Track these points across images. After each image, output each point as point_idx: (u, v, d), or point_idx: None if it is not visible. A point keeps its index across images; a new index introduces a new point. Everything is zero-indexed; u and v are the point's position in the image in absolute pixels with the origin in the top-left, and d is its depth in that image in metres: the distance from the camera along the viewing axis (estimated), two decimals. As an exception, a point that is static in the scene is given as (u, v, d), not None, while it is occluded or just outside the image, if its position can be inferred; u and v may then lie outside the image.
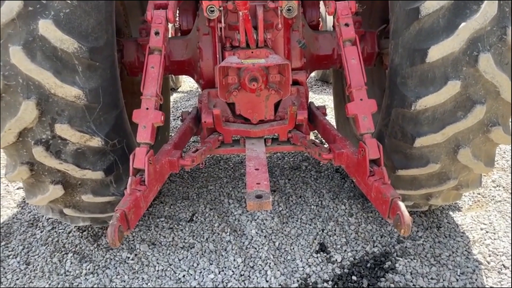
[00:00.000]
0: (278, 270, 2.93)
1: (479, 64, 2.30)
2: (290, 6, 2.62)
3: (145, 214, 3.59)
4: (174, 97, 7.11)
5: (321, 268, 2.95)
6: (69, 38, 2.29)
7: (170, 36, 5.35)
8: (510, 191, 3.77)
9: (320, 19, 5.16)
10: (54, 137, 2.43)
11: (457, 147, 2.55)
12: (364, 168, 2.33)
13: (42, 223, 3.56)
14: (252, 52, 2.87)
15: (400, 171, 2.74)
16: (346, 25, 2.60)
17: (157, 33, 2.58)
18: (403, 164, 2.71)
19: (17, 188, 4.19)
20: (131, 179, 2.26)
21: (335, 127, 4.54)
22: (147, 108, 2.46)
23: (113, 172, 2.69)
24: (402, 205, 2.00)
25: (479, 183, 2.93)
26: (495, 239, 3.18)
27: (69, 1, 2.29)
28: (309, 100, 3.35)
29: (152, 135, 2.44)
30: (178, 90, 7.64)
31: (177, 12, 3.62)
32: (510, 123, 2.58)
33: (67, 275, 2.99)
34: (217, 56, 3.04)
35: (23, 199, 3.98)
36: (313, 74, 7.65)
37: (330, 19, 6.20)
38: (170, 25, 4.90)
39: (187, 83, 7.99)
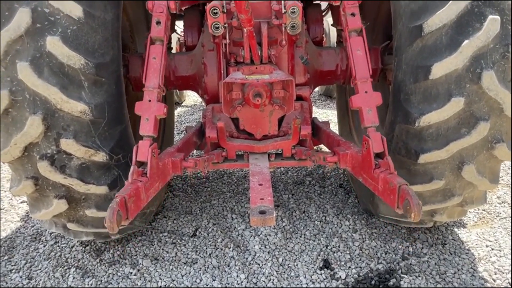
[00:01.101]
0: (282, 287, 2.90)
1: (483, 81, 2.31)
2: (294, 23, 2.65)
3: (148, 228, 3.58)
4: (178, 111, 7.15)
5: (325, 285, 2.92)
6: (76, 54, 2.32)
7: (174, 51, 5.42)
8: (515, 207, 3.75)
9: (323, 35, 5.22)
10: (59, 152, 2.45)
11: (461, 163, 2.54)
12: (369, 162, 2.31)
13: (45, 237, 3.56)
14: (256, 68, 2.88)
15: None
16: (352, 14, 2.57)
17: (158, 23, 2.55)
18: (407, 180, 2.69)
19: (21, 202, 4.19)
20: (133, 168, 2.23)
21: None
22: (150, 100, 2.43)
23: (117, 186, 2.69)
24: (410, 190, 1.98)
25: (484, 200, 2.92)
26: (500, 256, 3.15)
27: (76, 18, 2.33)
28: (313, 115, 3.36)
29: (155, 128, 2.41)
30: (182, 104, 7.68)
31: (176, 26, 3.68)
32: (514, 140, 2.58)
33: (69, 290, 2.97)
34: (222, 71, 3.06)
35: (27, 213, 3.98)
36: (317, 89, 7.68)
37: (333, 35, 6.25)
38: (174, 41, 4.95)
39: (191, 97, 8.04)
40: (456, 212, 2.97)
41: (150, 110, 2.42)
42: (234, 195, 4.09)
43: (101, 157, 2.51)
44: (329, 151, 2.84)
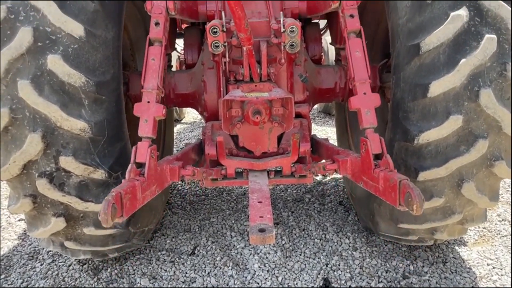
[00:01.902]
0: (281, 306, 2.87)
1: (480, 99, 2.33)
2: (293, 42, 2.67)
3: (146, 246, 3.55)
4: (177, 128, 7.16)
5: (325, 304, 2.88)
6: (77, 72, 2.34)
7: (174, 69, 5.46)
8: (516, 225, 3.73)
9: (322, 54, 5.27)
10: (58, 170, 2.44)
11: (461, 181, 2.54)
12: (369, 163, 2.30)
13: (42, 256, 3.52)
14: (255, 86, 2.90)
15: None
16: (351, 16, 2.57)
17: (157, 24, 2.53)
18: (407, 198, 2.69)
19: (19, 220, 4.16)
20: (131, 166, 2.22)
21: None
22: (148, 102, 2.42)
23: (115, 204, 2.68)
24: (411, 183, 1.97)
25: (484, 218, 2.90)
26: (502, 275, 3.12)
27: (77, 37, 2.35)
28: (312, 132, 3.37)
29: (154, 129, 2.40)
30: (182, 121, 7.70)
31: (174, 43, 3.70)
32: (513, 157, 2.58)
33: (65, 310, 2.93)
34: (221, 89, 3.08)
35: (24, 231, 3.95)
36: (316, 106, 7.71)
37: (332, 53, 6.32)
38: (174, 58, 4.99)
39: (191, 114, 8.07)
40: (456, 230, 2.95)
41: (149, 111, 2.41)
42: (234, 213, 4.07)
43: (100, 174, 2.51)
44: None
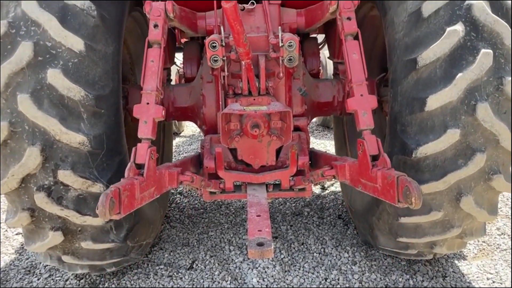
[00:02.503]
0: (280, 321, 2.84)
1: (477, 113, 2.35)
2: (291, 56, 2.70)
3: (144, 261, 3.52)
4: (176, 141, 7.17)
5: (325, 320, 2.86)
6: (76, 86, 2.35)
7: (174, 83, 5.49)
8: (515, 239, 3.71)
9: (320, 68, 5.31)
10: (56, 183, 2.44)
11: (459, 195, 2.54)
12: (366, 164, 2.32)
13: (39, 270, 3.49)
14: (254, 100, 2.92)
15: (403, 218, 2.72)
16: (348, 19, 2.59)
17: (156, 26, 2.55)
18: (405, 212, 2.70)
19: (16, 234, 4.14)
20: (130, 164, 2.24)
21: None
22: (148, 103, 2.43)
23: (114, 218, 2.67)
24: (409, 178, 1.99)
25: (483, 231, 2.89)
26: (502, 289, 3.10)
27: (78, 52, 2.37)
28: (311, 146, 3.38)
29: (154, 130, 2.41)
30: (181, 134, 7.71)
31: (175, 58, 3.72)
32: (511, 171, 2.59)
33: (62, 326, 2.90)
34: (220, 103, 3.09)
35: (22, 245, 3.92)
36: (314, 119, 7.75)
37: (330, 67, 6.37)
38: (173, 72, 5.02)
39: (190, 127, 8.08)
40: (456, 244, 2.94)
41: (148, 112, 2.42)
42: (232, 226, 4.05)
43: (98, 188, 2.50)
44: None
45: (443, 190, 2.53)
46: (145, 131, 2.40)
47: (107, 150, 2.50)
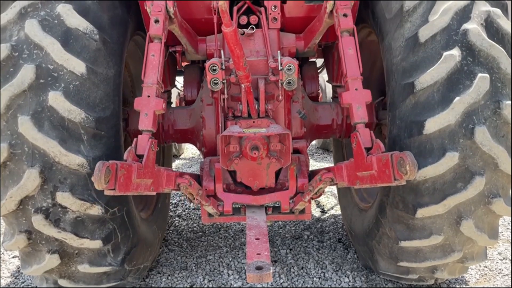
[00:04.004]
0: None
1: (476, 137, 2.36)
2: (290, 80, 2.73)
3: (141, 285, 3.47)
4: (176, 163, 7.17)
5: None
6: (77, 108, 2.37)
7: (174, 105, 5.53)
8: (517, 263, 3.67)
9: (319, 91, 5.36)
10: (54, 205, 2.43)
11: (459, 218, 2.53)
12: (361, 154, 2.35)
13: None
14: (253, 122, 2.93)
15: (403, 242, 2.70)
16: (345, 15, 2.62)
17: (157, 21, 2.58)
18: (406, 235, 2.68)
19: (13, 257, 4.09)
20: (130, 148, 2.29)
21: (337, 195, 4.53)
22: (149, 96, 2.46)
23: (111, 241, 2.66)
24: (403, 152, 2.06)
25: (484, 256, 2.86)
26: (506, 315, 3.04)
27: (79, 74, 2.40)
28: (310, 168, 3.37)
29: (154, 123, 2.44)
30: (181, 157, 7.71)
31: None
32: (511, 195, 2.58)
33: None
34: (220, 125, 3.11)
35: (18, 268, 3.87)
36: (314, 142, 7.77)
37: (329, 91, 6.42)
38: (174, 95, 5.06)
39: (190, 150, 8.09)
40: (457, 269, 2.90)
41: (149, 105, 2.45)
42: (231, 250, 4.01)
43: (96, 210, 2.49)
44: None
45: (443, 214, 2.52)
46: (145, 123, 2.42)
47: (106, 172, 2.50)
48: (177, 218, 4.75)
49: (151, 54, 2.57)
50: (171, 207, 4.98)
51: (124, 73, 3.60)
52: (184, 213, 4.90)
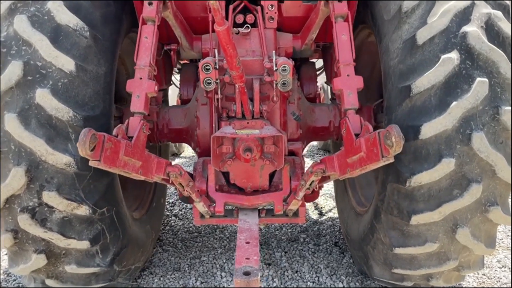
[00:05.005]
0: None
1: (473, 143, 2.29)
2: (285, 80, 2.67)
3: (133, 285, 3.43)
4: (176, 161, 7.13)
5: None
6: (65, 107, 2.33)
7: (175, 104, 5.48)
8: (517, 272, 3.59)
9: (322, 92, 5.29)
10: (41, 205, 2.39)
11: (455, 226, 2.46)
12: (350, 139, 2.35)
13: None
14: (247, 123, 2.88)
15: (397, 249, 2.64)
16: (339, 0, 2.61)
17: (150, 3, 2.57)
18: (400, 242, 2.62)
19: (5, 254, 4.06)
20: (119, 125, 2.30)
21: (335, 198, 4.46)
22: (141, 78, 2.47)
23: (99, 241, 2.61)
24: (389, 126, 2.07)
25: (481, 264, 2.79)
26: (503, 326, 2.97)
27: (68, 72, 2.36)
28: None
29: (146, 105, 2.45)
30: (181, 155, 7.68)
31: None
32: (510, 203, 2.51)
33: None
34: (213, 125, 3.06)
35: (10, 265, 3.84)
36: (315, 143, 7.69)
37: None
38: (174, 96, 5.01)
39: (190, 148, 8.04)
40: (453, 277, 2.83)
41: (141, 87, 2.45)
42: (226, 252, 3.96)
43: (84, 210, 2.45)
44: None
45: (439, 221, 2.46)
46: (137, 105, 2.42)
47: (95, 171, 2.45)
48: (173, 218, 4.71)
49: (144, 36, 2.57)
50: (168, 206, 4.94)
51: (121, 71, 3.57)
52: (180, 212, 4.86)
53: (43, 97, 2.29)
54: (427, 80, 2.36)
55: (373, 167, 2.29)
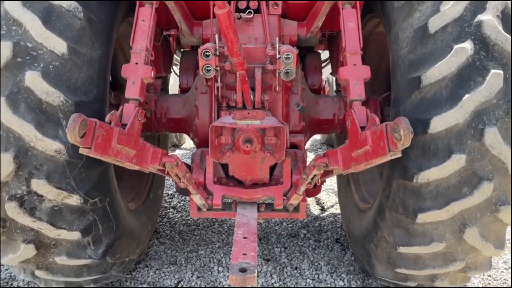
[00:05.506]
0: None
1: (485, 138, 2.16)
2: (288, 69, 2.55)
3: (127, 278, 3.34)
4: (176, 153, 7.03)
5: None
6: (56, 91, 2.22)
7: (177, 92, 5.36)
8: (524, 274, 3.47)
9: (326, 85, 5.16)
10: (29, 193, 2.29)
11: (463, 226, 2.34)
12: (356, 132, 2.24)
13: (18, 283, 3.32)
14: (248, 113, 2.77)
15: (401, 248, 2.53)
16: None
17: None
18: (405, 241, 2.51)
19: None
20: (113, 111, 2.20)
21: (337, 194, 4.36)
22: (137, 63, 2.37)
23: (91, 233, 2.52)
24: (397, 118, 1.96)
25: (488, 266, 2.68)
26: (508, 330, 2.86)
27: (60, 54, 2.25)
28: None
29: (142, 91, 2.35)
30: (182, 147, 7.57)
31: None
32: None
33: None
34: (213, 115, 2.95)
35: (3, 254, 3.76)
36: (318, 137, 7.57)
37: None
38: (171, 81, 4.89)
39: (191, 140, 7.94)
40: (458, 278, 2.72)
41: (137, 72, 2.36)
42: (224, 246, 3.86)
43: (74, 200, 2.35)
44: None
45: (446, 220, 2.34)
46: (132, 91, 2.33)
47: (87, 159, 2.34)
48: (171, 210, 4.62)
49: (141, 19, 2.46)
50: (166, 197, 4.85)
51: (119, 56, 3.45)
52: (179, 204, 4.76)
53: (33, 80, 2.18)
54: (438, 71, 2.23)
55: (379, 162, 2.17)
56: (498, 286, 2.62)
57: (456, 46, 2.22)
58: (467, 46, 2.21)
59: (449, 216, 2.31)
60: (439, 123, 2.22)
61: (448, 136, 2.23)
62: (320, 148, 7.51)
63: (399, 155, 2.05)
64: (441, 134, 2.23)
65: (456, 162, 2.21)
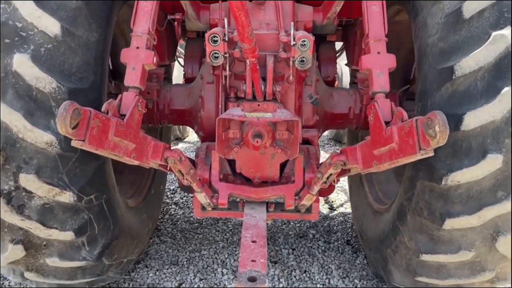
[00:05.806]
0: None
1: (526, 137, 1.94)
2: (303, 57, 2.33)
3: (126, 279, 3.14)
4: (179, 147, 6.82)
5: None
6: (47, 76, 2.00)
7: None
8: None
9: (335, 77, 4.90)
10: (17, 189, 2.08)
11: (496, 233, 2.13)
12: (379, 127, 2.04)
13: (9, 282, 3.13)
14: (258, 105, 2.56)
15: (424, 255, 2.32)
16: None
17: None
18: (428, 248, 2.29)
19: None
20: (110, 100, 2.02)
21: (348, 193, 4.14)
22: (138, 47, 2.18)
23: (86, 232, 2.32)
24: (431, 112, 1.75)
25: (518, 276, 2.46)
26: None
27: (52, 36, 2.03)
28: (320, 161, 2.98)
29: (143, 79, 2.16)
30: (185, 140, 7.37)
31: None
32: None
33: None
34: (220, 106, 2.73)
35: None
36: (325, 133, 7.34)
37: (346, 78, 5.98)
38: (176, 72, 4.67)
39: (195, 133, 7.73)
40: (484, 289, 2.51)
41: (138, 58, 2.16)
42: (228, 246, 3.65)
43: (67, 197, 2.14)
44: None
45: (477, 227, 2.13)
46: (132, 78, 2.13)
47: (81, 153, 2.13)
48: (173, 206, 4.41)
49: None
50: (168, 193, 4.65)
51: (120, 42, 3.22)
52: (181, 201, 4.56)
53: (22, 63, 1.97)
54: (473, 61, 2.00)
55: (406, 161, 1.96)
56: (498, 286, 2.42)
57: (494, 33, 1.99)
58: (507, 33, 1.98)
59: (480, 222, 2.10)
60: (473, 119, 1.99)
61: (483, 133, 2.00)
62: (328, 144, 7.30)
63: (431, 154, 1.84)
64: (475, 132, 2.01)
65: (492, 163, 1.99)
